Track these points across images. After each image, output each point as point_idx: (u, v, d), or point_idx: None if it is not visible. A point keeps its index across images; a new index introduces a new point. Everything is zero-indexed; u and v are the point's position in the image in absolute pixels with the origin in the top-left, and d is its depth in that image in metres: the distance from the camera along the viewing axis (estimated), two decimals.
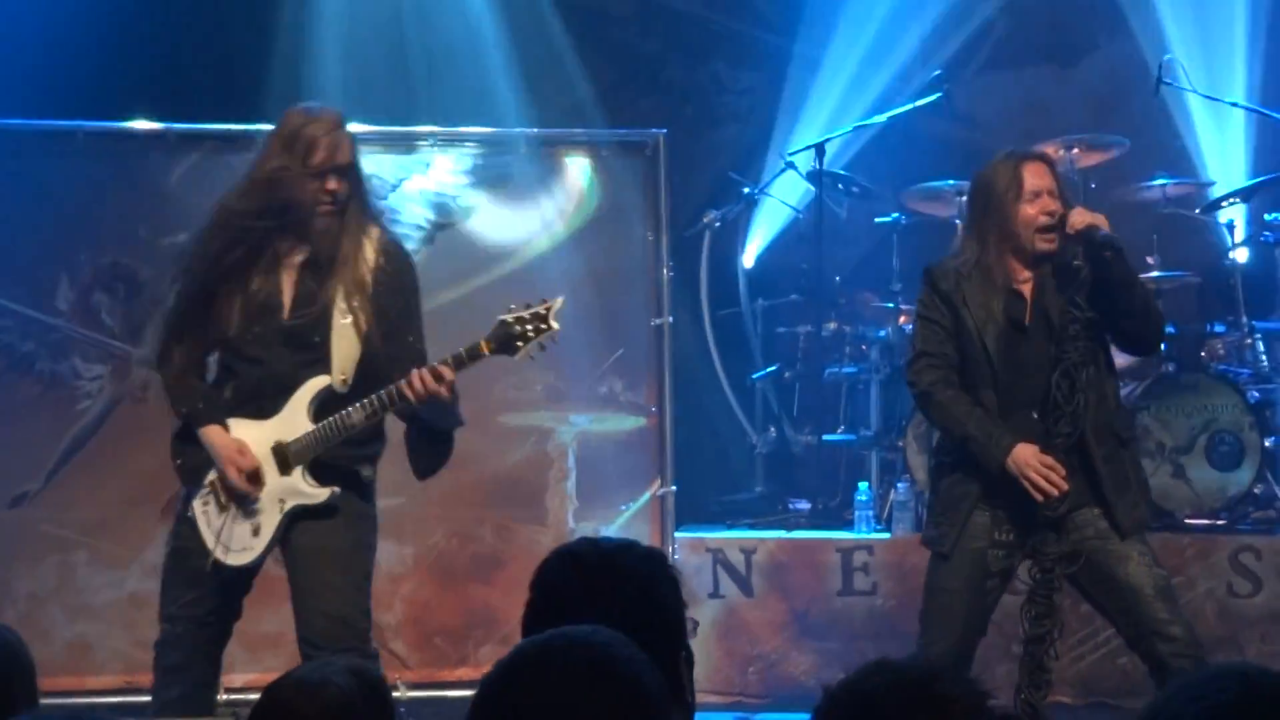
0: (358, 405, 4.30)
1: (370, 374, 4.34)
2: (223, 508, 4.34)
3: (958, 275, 4.77)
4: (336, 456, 4.35)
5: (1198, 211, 7.37)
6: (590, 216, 6.77)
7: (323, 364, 4.33)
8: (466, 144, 6.74)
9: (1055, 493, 4.54)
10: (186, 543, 4.37)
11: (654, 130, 6.87)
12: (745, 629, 6.62)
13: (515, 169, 6.74)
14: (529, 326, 4.35)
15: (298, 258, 4.33)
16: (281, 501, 4.34)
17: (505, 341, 4.35)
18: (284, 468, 4.34)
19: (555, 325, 4.36)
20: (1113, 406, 4.70)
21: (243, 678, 6.06)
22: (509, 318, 4.36)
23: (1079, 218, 4.58)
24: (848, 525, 6.89)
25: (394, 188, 6.65)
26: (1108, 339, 4.73)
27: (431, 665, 6.42)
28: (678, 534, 6.70)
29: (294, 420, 4.34)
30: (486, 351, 4.35)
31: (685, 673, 2.55)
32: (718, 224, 7.75)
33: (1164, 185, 7.24)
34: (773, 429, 7.61)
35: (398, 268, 4.45)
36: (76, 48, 7.32)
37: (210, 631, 4.42)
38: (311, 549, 4.34)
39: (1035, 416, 4.63)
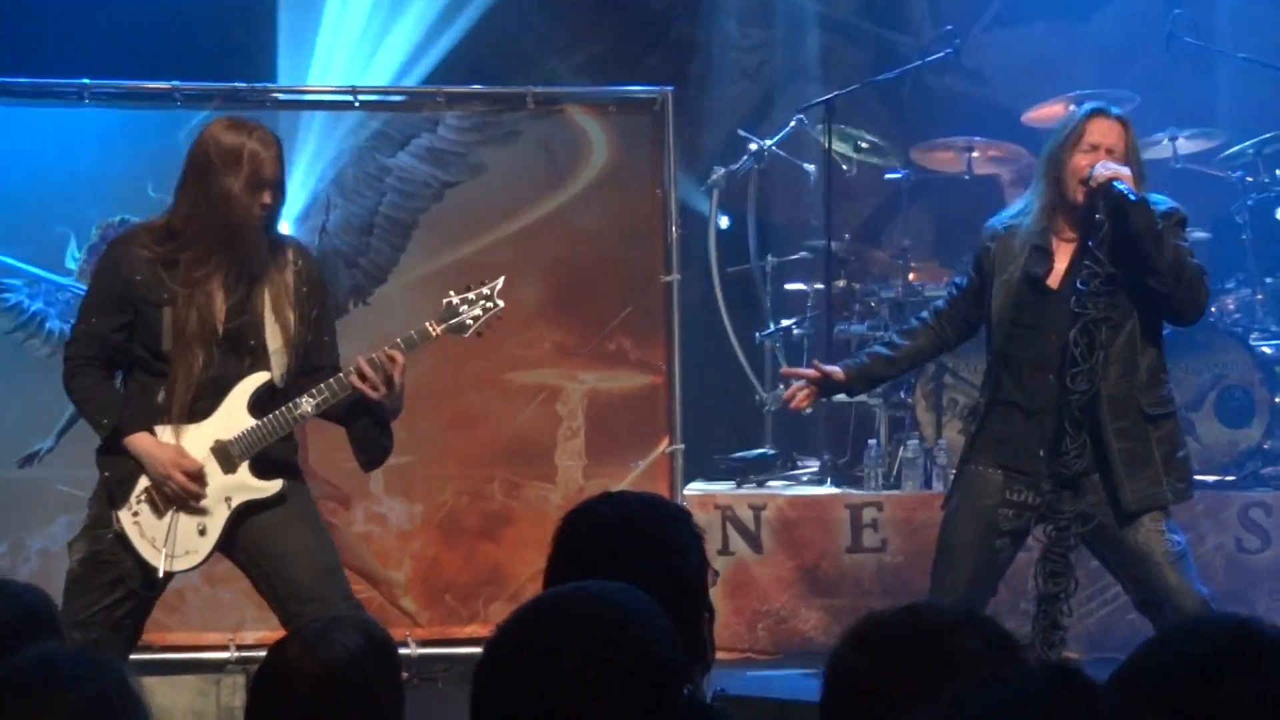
0: (308, 396, 4.32)
1: (303, 368, 4.40)
2: (160, 515, 4.30)
3: (1000, 231, 4.78)
4: (276, 449, 4.37)
5: (1209, 167, 7.34)
6: (598, 173, 6.75)
7: (261, 363, 4.34)
8: (474, 101, 6.72)
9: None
10: (107, 555, 4.31)
11: (662, 87, 6.84)
12: (754, 585, 6.64)
13: (523, 126, 6.72)
14: (476, 306, 4.39)
15: (227, 265, 4.31)
16: (228, 500, 4.33)
17: (455, 324, 4.39)
18: (227, 465, 4.32)
19: (501, 303, 4.41)
20: (1142, 381, 4.61)
21: (254, 635, 6.09)
22: (455, 299, 4.42)
23: (1103, 171, 4.55)
24: (857, 482, 6.90)
25: (402, 146, 6.64)
26: (1153, 309, 4.65)
27: (441, 623, 6.45)
28: (687, 491, 6.71)
29: (233, 418, 4.33)
30: (435, 333, 4.38)
31: (707, 630, 2.56)
32: (726, 181, 7.73)
33: (1174, 140, 7.21)
34: (782, 386, 7.58)
35: (314, 271, 4.50)
36: (83, 5, 7.31)
37: (124, 634, 4.36)
38: (273, 524, 4.36)
39: (1051, 379, 4.62)
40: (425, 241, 6.64)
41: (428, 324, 4.39)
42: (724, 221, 7.98)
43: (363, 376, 4.26)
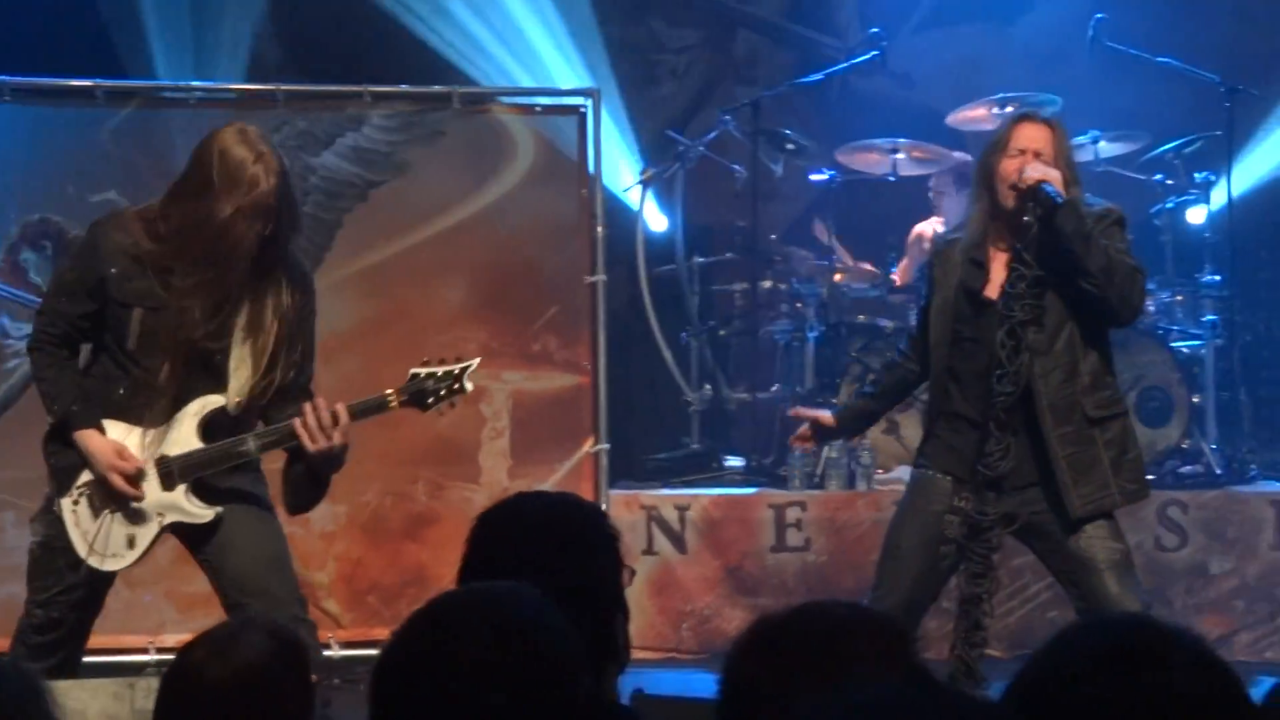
0: (254, 436, 4.24)
1: (264, 399, 4.27)
2: (97, 511, 4.25)
3: (942, 246, 4.81)
4: (226, 478, 4.28)
5: (1130, 170, 7.42)
6: (524, 174, 6.75)
7: (220, 384, 4.24)
8: (400, 101, 6.70)
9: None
10: (53, 540, 4.28)
11: (587, 88, 6.84)
12: (679, 585, 6.66)
13: (449, 126, 6.70)
14: (442, 386, 4.29)
15: (210, 284, 4.19)
16: (160, 515, 4.26)
17: (416, 396, 4.29)
18: (167, 482, 4.25)
19: (469, 387, 4.31)
20: (1085, 384, 4.58)
21: (174, 637, 6.03)
22: (422, 373, 4.29)
23: (1032, 172, 4.56)
24: (781, 482, 6.93)
25: (327, 145, 6.61)
26: (1089, 311, 4.64)
27: (364, 624, 6.42)
28: (612, 491, 6.71)
29: (181, 435, 4.25)
30: (394, 404, 4.29)
31: (620, 630, 2.56)
32: (654, 181, 7.75)
33: (1097, 143, 7.28)
34: (708, 386, 7.63)
35: (307, 296, 4.37)
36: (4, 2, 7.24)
37: (88, 612, 4.34)
38: (224, 514, 4.31)
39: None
40: (350, 241, 6.61)
41: (388, 393, 4.28)
42: (662, 223, 8.00)
43: (306, 427, 4.18)
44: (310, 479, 4.31)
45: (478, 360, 4.42)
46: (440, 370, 4.29)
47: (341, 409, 4.17)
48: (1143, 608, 4.54)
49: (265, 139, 4.25)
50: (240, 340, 4.23)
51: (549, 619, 1.92)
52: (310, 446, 4.17)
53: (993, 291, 4.62)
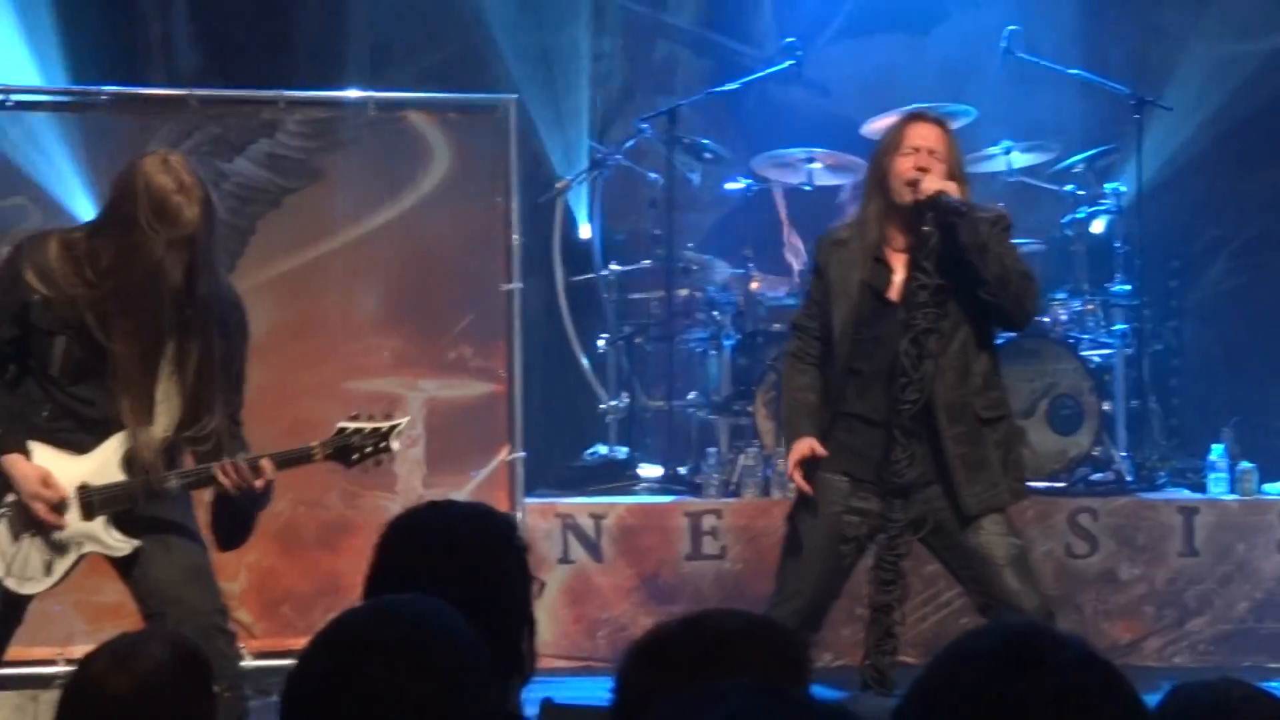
0: (177, 474, 4.18)
1: (192, 433, 4.22)
2: (17, 534, 4.19)
3: (835, 242, 4.83)
4: (152, 508, 4.23)
5: (1042, 180, 7.50)
6: (440, 181, 6.72)
7: (147, 414, 4.18)
8: (315, 107, 6.66)
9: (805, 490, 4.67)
10: None
11: (505, 95, 6.83)
12: (594, 594, 6.66)
13: (364, 133, 6.67)
14: (368, 444, 4.25)
15: (140, 317, 4.14)
16: (79, 544, 4.21)
17: (341, 452, 4.24)
18: (87, 512, 4.19)
19: (395, 447, 4.26)
20: (977, 385, 4.68)
21: (83, 648, 5.90)
22: (349, 428, 4.24)
23: (930, 183, 4.62)
24: (697, 490, 6.94)
25: (240, 151, 6.56)
26: (985, 314, 4.72)
27: (278, 634, 6.36)
28: (527, 500, 6.70)
29: (105, 466, 4.19)
30: (318, 458, 4.25)
31: (527, 641, 2.55)
32: (571, 190, 7.74)
33: (1009, 154, 7.35)
34: (624, 394, 7.63)
35: (238, 324, 4.33)
36: None
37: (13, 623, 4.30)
38: (143, 522, 4.26)
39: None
40: (263, 248, 6.56)
41: (313, 446, 4.24)
42: (579, 231, 7.99)
43: (227, 477, 4.13)
44: (231, 520, 4.28)
45: (406, 419, 4.39)
46: (368, 427, 4.25)
47: (266, 462, 4.14)
48: (1042, 600, 4.63)
49: (188, 166, 4.19)
50: (168, 374, 4.18)
51: (455, 631, 1.91)
52: (232, 492, 4.14)
53: (894, 293, 4.68)
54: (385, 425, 4.23)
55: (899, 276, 4.71)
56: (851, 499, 4.71)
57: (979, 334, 4.71)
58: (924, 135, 4.69)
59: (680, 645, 1.99)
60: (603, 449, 7.49)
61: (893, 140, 4.73)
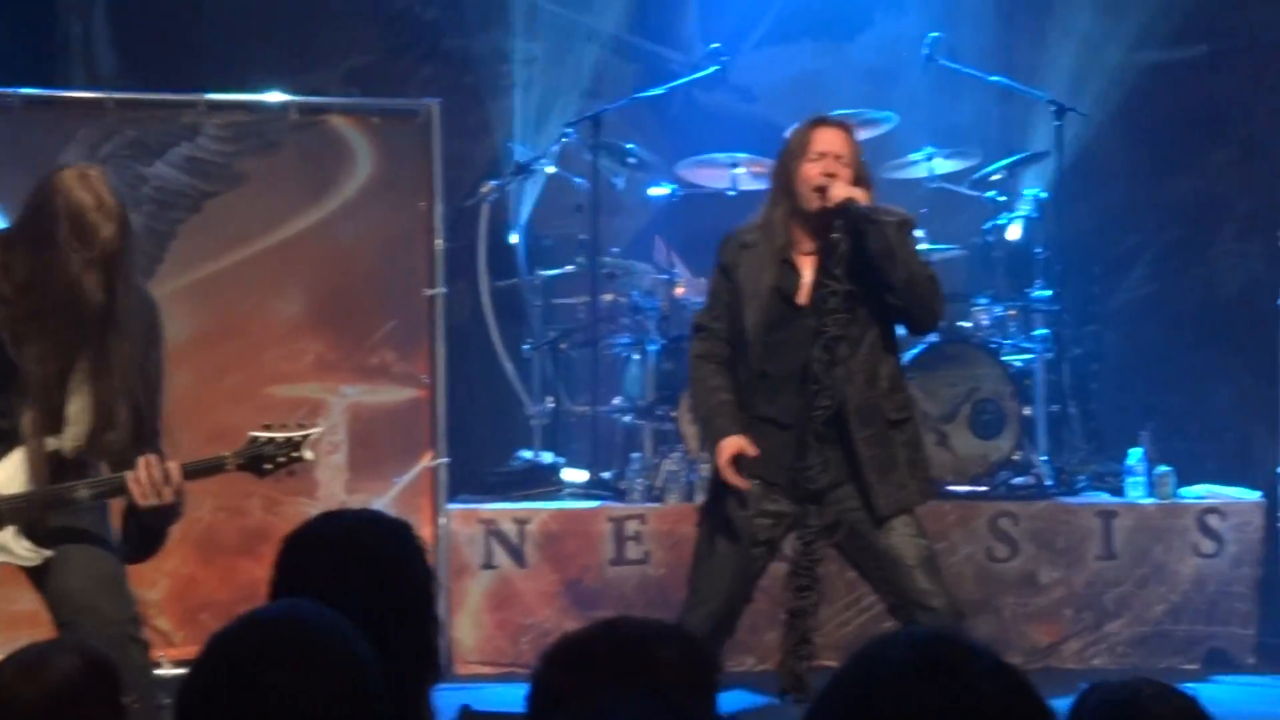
0: (87, 484, 4.12)
1: (106, 444, 4.16)
2: None
3: (741, 245, 4.84)
4: (67, 518, 4.16)
5: (963, 186, 7.55)
6: (362, 186, 6.70)
7: (52, 427, 4.12)
8: (235, 111, 6.61)
9: (738, 482, 4.62)
10: None
11: (427, 99, 6.81)
12: (518, 599, 6.65)
13: (286, 137, 6.63)
14: (280, 454, 4.20)
15: (56, 330, 4.09)
16: None
17: (253, 461, 4.20)
18: None
19: (308, 456, 4.23)
20: (884, 388, 4.72)
21: None
22: (261, 437, 4.20)
23: (839, 190, 4.65)
24: (622, 496, 6.94)
25: (160, 155, 6.50)
26: (892, 318, 4.77)
27: (198, 642, 6.16)
28: (451, 505, 6.69)
29: (13, 476, 4.13)
30: (230, 467, 4.20)
31: (434, 642, 2.56)
32: (496, 194, 7.73)
33: (931, 160, 7.40)
34: (549, 399, 7.63)
35: (155, 335, 4.27)
36: None
37: None
38: (54, 530, 4.20)
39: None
40: (183, 252, 6.51)
41: (225, 456, 4.19)
42: (504, 236, 7.98)
43: (138, 483, 4.08)
44: (140, 533, 4.23)
45: (321, 429, 4.36)
46: (280, 436, 4.20)
47: (175, 467, 4.09)
48: (950, 600, 4.67)
49: (105, 180, 4.15)
50: (81, 386, 4.12)
51: (341, 638, 1.90)
52: (140, 501, 4.08)
53: (803, 296, 4.70)
54: (298, 435, 4.19)
55: (806, 280, 4.74)
56: (763, 502, 4.72)
57: (886, 337, 4.77)
58: (830, 140, 4.72)
59: (593, 650, 2.00)
60: (527, 454, 7.47)
61: (798, 145, 4.75)
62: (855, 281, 4.64)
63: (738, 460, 4.70)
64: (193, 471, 4.14)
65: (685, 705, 1.90)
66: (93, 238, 4.02)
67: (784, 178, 4.76)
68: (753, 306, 4.73)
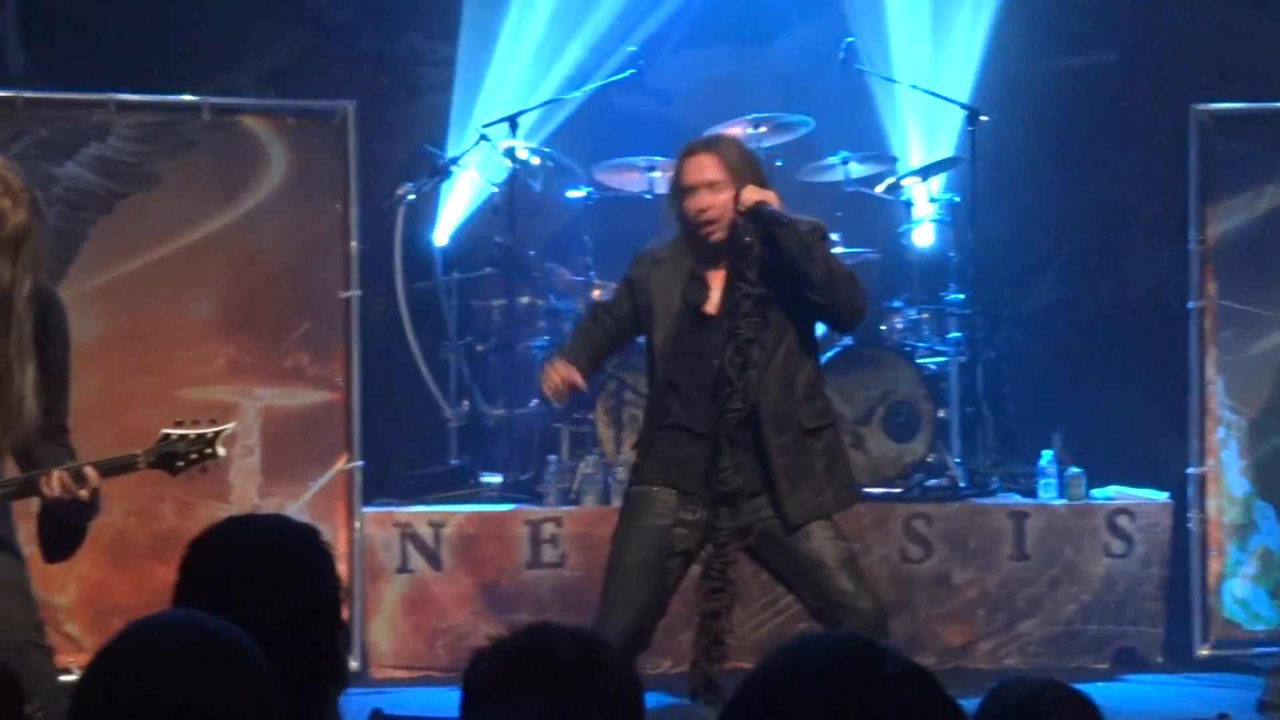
0: None
1: (11, 443, 4.07)
2: None
3: (654, 261, 4.85)
4: None
5: (878, 190, 7.61)
6: (277, 187, 6.66)
7: None
8: (147, 111, 6.55)
9: (550, 390, 4.75)
10: None
11: (342, 101, 6.78)
12: (433, 603, 6.63)
13: (199, 137, 6.58)
14: (193, 450, 4.16)
15: None
16: None
17: (165, 459, 4.16)
18: None
19: (221, 453, 4.19)
20: (800, 396, 4.72)
21: None
22: (174, 434, 4.14)
23: (748, 195, 4.67)
24: (539, 498, 6.93)
25: (70, 155, 6.43)
26: (807, 324, 4.79)
27: None
28: (366, 509, 6.66)
29: None
30: (141, 465, 4.15)
31: (341, 649, 2.54)
32: (412, 197, 7.70)
33: (847, 164, 7.45)
34: (466, 402, 7.60)
35: (59, 331, 4.16)
36: None
37: None
38: None
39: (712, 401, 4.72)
40: (94, 254, 6.45)
41: (136, 454, 4.14)
42: (420, 238, 7.94)
43: (50, 487, 4.02)
44: (58, 532, 4.17)
45: (234, 425, 4.31)
46: (193, 433, 4.15)
47: (91, 470, 4.04)
48: (876, 601, 4.69)
49: (12, 168, 4.09)
50: None
51: (233, 646, 1.89)
52: (51, 502, 4.03)
53: (713, 307, 4.72)
54: (210, 431, 4.15)
55: (716, 292, 4.75)
56: (680, 511, 4.72)
57: (802, 344, 4.77)
58: (696, 169, 4.72)
59: (517, 660, 2.01)
60: (448, 461, 7.44)
61: (675, 181, 4.79)
62: (769, 285, 4.67)
63: (647, 470, 4.72)
64: (105, 470, 4.10)
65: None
66: (3, 223, 3.97)
67: (677, 210, 4.78)
68: (663, 321, 4.75)
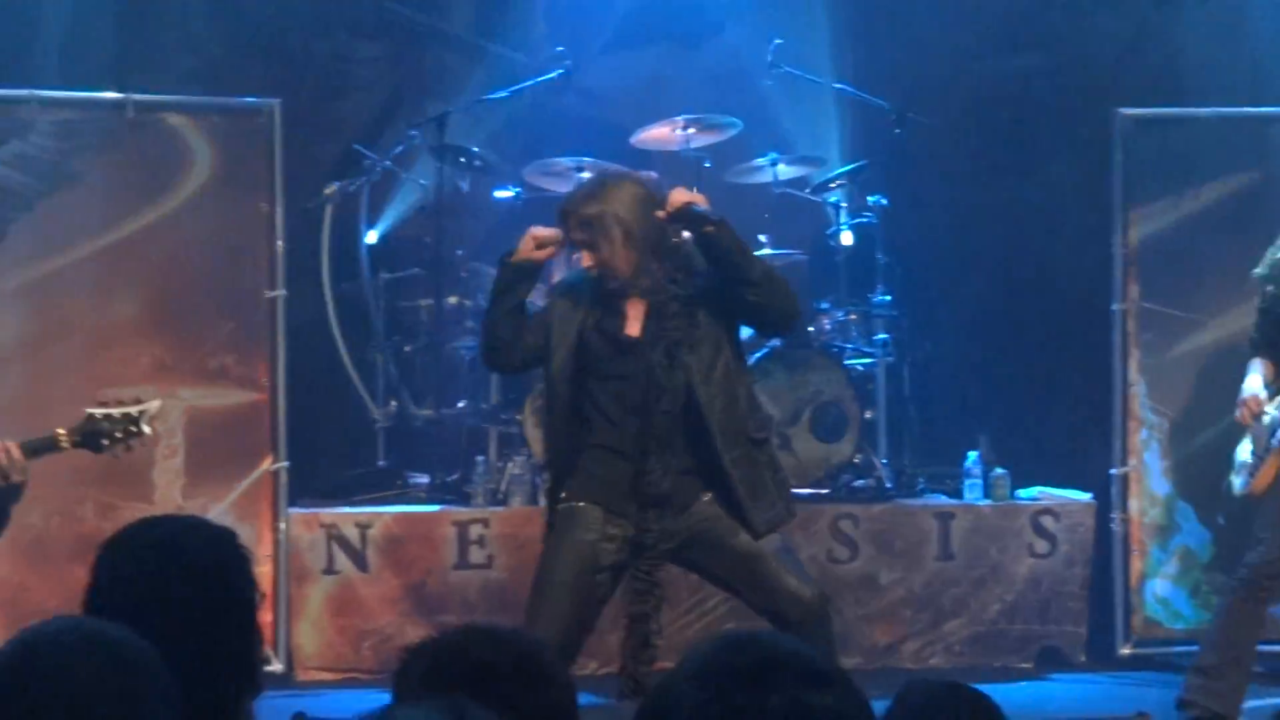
0: None
1: None
2: None
3: (565, 289, 4.87)
4: None
5: (807, 192, 7.63)
6: (201, 186, 6.61)
7: None
8: (69, 108, 6.48)
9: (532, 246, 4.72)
10: None
11: (268, 99, 6.73)
12: (360, 605, 6.59)
13: (121, 135, 6.52)
14: (118, 429, 4.12)
15: None
16: None
17: (89, 438, 4.11)
18: None
19: (147, 430, 4.15)
20: (744, 409, 4.74)
21: None
22: (98, 413, 4.12)
23: (676, 196, 4.67)
24: (467, 499, 6.91)
25: None
26: (737, 337, 4.81)
27: None
28: (291, 510, 6.61)
29: None
30: (65, 444, 4.11)
31: (255, 654, 2.52)
32: (339, 196, 7.64)
33: (776, 165, 7.47)
34: (393, 403, 7.57)
35: None
36: None
37: None
38: None
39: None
40: (14, 252, 6.39)
41: (60, 432, 4.09)
42: (347, 237, 7.89)
43: None
44: None
45: (158, 403, 4.29)
46: (118, 412, 4.14)
47: (14, 446, 4.00)
48: (817, 590, 4.71)
49: None
50: None
51: (122, 651, 1.86)
52: None
53: (634, 329, 4.71)
54: (135, 409, 4.14)
55: (635, 317, 4.74)
56: (607, 526, 4.71)
57: (736, 357, 4.78)
58: (574, 230, 4.75)
59: (451, 665, 2.02)
60: (376, 462, 7.40)
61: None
62: (696, 288, 4.67)
63: (575, 487, 4.74)
64: (29, 450, 4.06)
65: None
66: None
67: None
68: (575, 347, 4.74)
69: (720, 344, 4.70)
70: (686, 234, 4.74)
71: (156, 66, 7.85)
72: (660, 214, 4.66)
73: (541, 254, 4.76)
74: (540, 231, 4.78)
